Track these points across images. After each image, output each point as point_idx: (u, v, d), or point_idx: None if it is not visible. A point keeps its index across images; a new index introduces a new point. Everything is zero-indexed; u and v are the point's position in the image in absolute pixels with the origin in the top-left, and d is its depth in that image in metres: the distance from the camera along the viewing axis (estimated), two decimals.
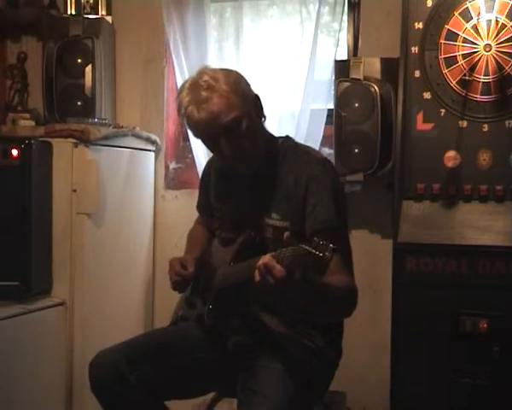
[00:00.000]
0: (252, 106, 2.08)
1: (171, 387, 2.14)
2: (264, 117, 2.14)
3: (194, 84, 2.03)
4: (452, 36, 2.62)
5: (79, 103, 3.30)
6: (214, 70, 2.09)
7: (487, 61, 2.58)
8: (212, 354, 2.15)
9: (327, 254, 1.65)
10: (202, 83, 2.01)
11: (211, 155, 2.35)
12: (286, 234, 1.76)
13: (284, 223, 2.06)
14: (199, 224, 2.46)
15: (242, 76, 2.12)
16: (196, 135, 2.12)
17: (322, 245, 1.67)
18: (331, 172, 2.11)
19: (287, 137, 2.24)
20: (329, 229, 1.99)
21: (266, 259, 1.75)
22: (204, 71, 2.06)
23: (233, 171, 2.16)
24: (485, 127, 2.58)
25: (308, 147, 2.26)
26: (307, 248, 1.67)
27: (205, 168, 2.42)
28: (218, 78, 2.02)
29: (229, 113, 2.00)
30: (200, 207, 2.44)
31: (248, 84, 2.11)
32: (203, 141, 2.14)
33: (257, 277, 1.76)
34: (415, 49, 2.67)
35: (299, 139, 2.35)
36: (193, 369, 2.13)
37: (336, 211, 2.03)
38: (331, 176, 2.09)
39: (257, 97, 2.12)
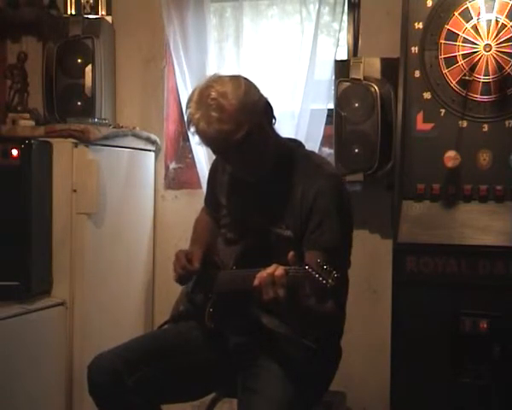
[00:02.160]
0: (262, 115, 2.04)
1: (170, 390, 2.13)
2: (275, 119, 2.11)
3: (203, 101, 1.97)
4: (452, 36, 2.62)
5: (79, 103, 3.30)
6: (222, 81, 2.01)
7: (487, 61, 2.58)
8: (212, 355, 2.14)
9: (330, 281, 1.67)
10: (211, 102, 1.95)
11: (212, 154, 2.36)
12: (291, 254, 1.78)
13: (288, 232, 2.06)
14: (206, 213, 2.43)
15: (251, 84, 2.06)
16: (207, 146, 2.11)
17: (327, 270, 1.68)
18: (338, 189, 2.09)
19: (299, 143, 2.22)
20: (331, 249, 1.99)
21: (279, 271, 1.77)
22: (211, 85, 1.99)
23: (242, 177, 2.15)
24: (485, 127, 2.58)
25: (319, 158, 2.23)
26: (312, 272, 1.69)
27: (213, 163, 2.39)
28: (227, 92, 1.96)
29: (240, 129, 1.97)
30: (207, 201, 2.43)
31: (258, 92, 2.06)
32: (214, 153, 2.13)
33: (256, 282, 1.80)
34: (415, 49, 2.66)
35: (299, 139, 2.34)
36: (193, 371, 2.13)
37: (340, 231, 2.03)
38: (339, 193, 2.08)
39: (267, 104, 2.07)
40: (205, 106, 1.97)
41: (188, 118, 2.03)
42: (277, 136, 2.16)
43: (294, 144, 2.21)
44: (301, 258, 1.88)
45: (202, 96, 1.99)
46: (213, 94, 1.97)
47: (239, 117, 1.96)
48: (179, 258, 2.19)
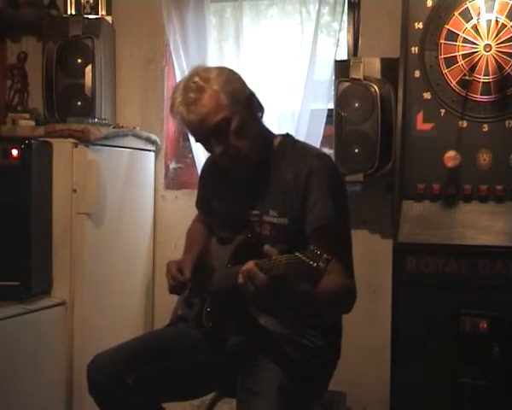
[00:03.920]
0: (243, 105, 2.06)
1: (170, 389, 2.13)
2: (262, 113, 2.13)
3: (186, 85, 2.04)
4: (452, 36, 2.62)
5: (79, 103, 3.30)
6: (207, 69, 2.09)
7: (487, 61, 2.58)
8: (211, 355, 2.14)
9: (321, 264, 1.66)
10: (191, 84, 2.02)
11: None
12: (265, 247, 1.80)
13: (282, 220, 2.06)
14: (198, 221, 2.44)
15: (235, 74, 2.12)
16: (188, 132, 2.13)
17: (317, 254, 1.67)
18: (330, 167, 2.10)
19: (286, 134, 2.23)
20: (329, 225, 2.00)
21: (249, 265, 1.78)
22: (196, 72, 2.07)
23: (228, 171, 2.16)
24: (485, 127, 2.58)
25: (306, 143, 2.25)
26: (301, 257, 1.68)
27: (205, 164, 2.41)
28: (209, 78, 2.03)
29: (218, 113, 2.00)
30: (199, 204, 2.43)
31: (242, 83, 2.11)
32: (196, 140, 2.15)
33: (240, 279, 1.81)
34: (415, 49, 2.67)
35: (299, 139, 2.34)
36: (192, 370, 2.13)
37: (335, 207, 2.02)
38: (330, 170, 2.09)
39: (251, 95, 2.10)
40: (186, 89, 2.03)
41: (171, 102, 2.07)
42: (264, 129, 2.17)
43: (282, 135, 2.21)
44: (298, 244, 1.86)
45: (186, 81, 2.06)
46: (196, 78, 2.03)
47: (218, 100, 2.00)
48: (170, 269, 2.20)
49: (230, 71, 2.12)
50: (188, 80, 2.05)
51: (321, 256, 1.66)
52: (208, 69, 2.09)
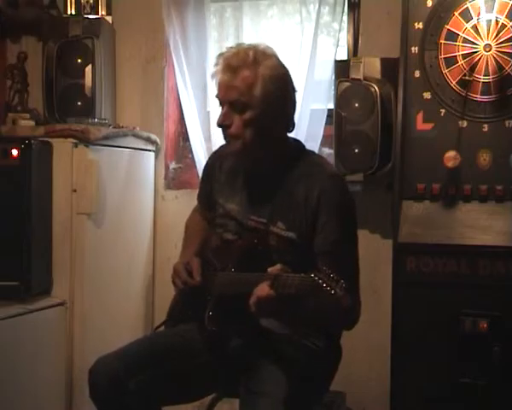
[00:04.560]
0: (272, 108, 2.02)
1: (171, 392, 2.13)
2: (289, 128, 2.12)
3: (240, 49, 2.04)
4: (452, 36, 2.62)
5: (79, 103, 3.30)
6: (267, 53, 2.04)
7: (487, 61, 2.58)
8: (212, 357, 2.13)
9: (338, 290, 1.67)
10: (244, 52, 2.01)
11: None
12: (277, 266, 1.83)
13: (289, 233, 2.05)
14: (197, 212, 2.42)
15: (289, 79, 2.08)
16: (218, 83, 2.09)
17: (333, 279, 1.68)
18: (341, 189, 2.08)
19: (298, 142, 2.21)
20: (335, 251, 1.99)
21: (265, 291, 1.81)
22: (258, 46, 2.05)
23: (235, 156, 2.14)
24: (485, 127, 2.58)
25: (319, 158, 2.23)
26: (318, 280, 1.69)
27: (209, 160, 2.38)
28: (262, 62, 2.01)
29: (243, 95, 1.99)
30: (201, 198, 2.41)
31: (287, 90, 2.07)
32: (216, 95, 2.12)
33: (252, 307, 1.86)
34: (415, 49, 2.67)
35: (299, 139, 2.34)
36: (193, 372, 2.12)
37: (343, 232, 2.02)
38: (341, 193, 2.07)
39: (287, 107, 2.08)
40: (238, 52, 2.03)
41: (221, 52, 2.08)
42: (283, 141, 2.14)
43: (296, 143, 2.20)
44: (306, 262, 1.89)
45: (244, 47, 2.06)
46: (253, 52, 2.02)
47: (251, 87, 1.99)
48: (179, 272, 2.18)
49: (286, 73, 2.08)
50: (246, 47, 2.04)
51: (337, 282, 1.68)
52: (267, 53, 2.05)
